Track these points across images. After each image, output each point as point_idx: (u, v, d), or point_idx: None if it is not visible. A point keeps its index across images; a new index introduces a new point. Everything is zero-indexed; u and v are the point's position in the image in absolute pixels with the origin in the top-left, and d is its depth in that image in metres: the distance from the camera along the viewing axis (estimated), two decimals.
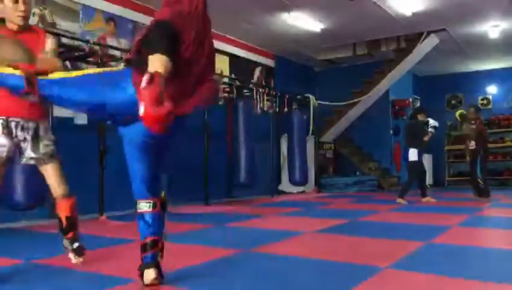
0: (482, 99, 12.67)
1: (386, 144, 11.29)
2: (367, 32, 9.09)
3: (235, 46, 9.09)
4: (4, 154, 2.69)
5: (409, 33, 9.20)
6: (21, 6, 2.72)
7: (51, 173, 2.82)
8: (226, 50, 8.81)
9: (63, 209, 2.90)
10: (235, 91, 7.94)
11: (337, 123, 10.69)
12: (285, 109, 9.23)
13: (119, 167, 6.12)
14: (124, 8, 6.79)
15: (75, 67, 5.61)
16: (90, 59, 5.78)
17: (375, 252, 3.44)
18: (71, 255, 2.97)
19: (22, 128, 2.72)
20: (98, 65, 5.80)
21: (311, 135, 9.79)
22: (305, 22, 8.11)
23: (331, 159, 11.23)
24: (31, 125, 2.74)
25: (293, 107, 9.49)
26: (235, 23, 8.22)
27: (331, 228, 4.70)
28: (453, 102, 13.05)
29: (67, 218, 2.91)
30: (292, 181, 9.26)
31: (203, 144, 7.22)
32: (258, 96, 8.49)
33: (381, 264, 2.91)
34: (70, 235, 2.95)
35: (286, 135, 9.48)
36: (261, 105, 8.55)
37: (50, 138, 2.82)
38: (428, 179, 12.20)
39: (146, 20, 7.13)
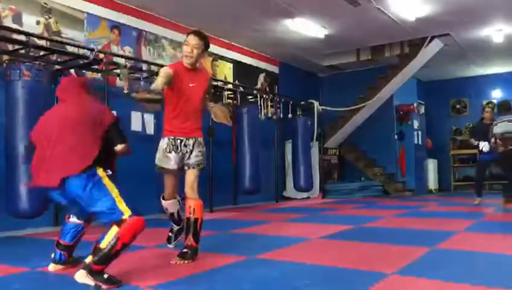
0: (487, 104, 12.61)
1: (391, 149, 11.25)
2: (371, 37, 9.10)
3: (239, 52, 9.11)
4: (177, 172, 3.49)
5: (413, 38, 9.20)
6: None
7: (191, 176, 3.43)
8: (230, 56, 8.85)
9: (186, 209, 3.43)
10: (239, 97, 7.96)
11: (341, 129, 10.68)
12: (290, 115, 9.24)
13: (124, 174, 6.13)
14: (129, 16, 6.84)
15: (80, 76, 5.64)
16: (95, 67, 5.82)
17: (381, 258, 3.43)
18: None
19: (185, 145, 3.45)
20: (102, 72, 5.84)
21: (316, 140, 9.78)
22: (308, 28, 8.12)
23: (336, 165, 11.22)
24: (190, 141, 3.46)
25: (297, 113, 9.50)
26: (239, 30, 8.26)
27: (336, 234, 4.68)
28: (457, 106, 13.01)
29: (190, 221, 3.40)
30: (297, 187, 9.24)
31: (208, 150, 7.21)
32: (262, 103, 8.50)
33: (387, 270, 2.90)
34: (188, 240, 3.37)
35: (290, 140, 9.48)
36: (265, 111, 8.56)
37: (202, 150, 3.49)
38: (434, 184, 12.18)
39: (150, 28, 7.17)
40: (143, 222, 2.75)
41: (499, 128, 6.88)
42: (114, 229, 2.68)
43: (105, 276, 2.64)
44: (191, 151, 3.46)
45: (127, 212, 2.71)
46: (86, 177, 2.76)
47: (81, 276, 2.65)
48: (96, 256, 2.63)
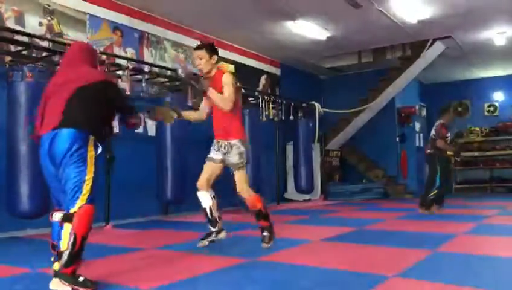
0: (489, 106, 12.62)
1: (392, 152, 11.25)
2: (372, 40, 9.10)
3: (241, 54, 9.12)
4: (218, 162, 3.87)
5: (415, 40, 9.19)
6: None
7: (236, 178, 3.81)
8: (231, 58, 8.85)
9: (248, 205, 3.84)
10: (240, 99, 7.95)
11: (343, 131, 10.67)
12: (291, 117, 9.24)
13: (125, 175, 6.13)
14: (131, 18, 6.84)
15: None
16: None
17: (382, 260, 3.42)
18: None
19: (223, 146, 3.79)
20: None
21: (317, 142, 9.78)
22: (310, 30, 8.13)
23: (337, 167, 11.20)
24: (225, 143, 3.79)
25: (299, 115, 9.50)
26: (240, 32, 8.27)
27: (337, 236, 4.68)
28: (459, 109, 12.99)
29: (254, 212, 3.80)
30: (298, 189, 9.24)
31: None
32: (263, 105, 8.51)
33: (388, 273, 2.90)
34: (261, 223, 3.79)
35: (292, 142, 9.48)
36: (267, 113, 8.57)
37: (236, 152, 3.77)
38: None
39: (152, 29, 7.19)
40: (92, 209, 2.67)
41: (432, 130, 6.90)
42: (67, 227, 2.61)
43: (81, 279, 2.57)
44: (229, 154, 3.78)
45: (78, 204, 2.63)
46: (75, 137, 2.70)
47: (56, 284, 2.58)
48: (62, 260, 2.55)
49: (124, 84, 5.97)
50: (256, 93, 8.73)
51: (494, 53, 10.02)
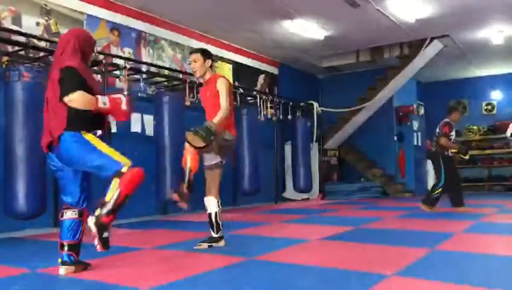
0: (487, 105, 12.64)
1: (390, 151, 11.26)
2: (370, 39, 9.10)
3: (239, 53, 9.12)
4: None
5: (412, 39, 9.20)
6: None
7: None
8: (229, 58, 8.85)
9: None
10: (238, 99, 7.96)
11: (341, 130, 10.68)
12: (289, 116, 9.24)
13: None
14: (128, 17, 6.83)
15: None
16: (95, 68, 5.82)
17: (380, 259, 3.42)
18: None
19: None
20: (102, 74, 5.85)
21: (315, 141, 9.79)
22: (308, 29, 8.13)
23: (336, 166, 11.22)
24: None
25: (297, 114, 9.50)
26: (238, 31, 8.26)
27: (336, 235, 4.68)
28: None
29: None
30: (296, 188, 9.24)
31: None
32: (261, 104, 8.51)
33: (386, 272, 2.90)
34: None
35: (290, 142, 9.48)
36: (265, 112, 8.56)
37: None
38: None
39: (149, 29, 7.18)
40: (142, 173, 2.82)
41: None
42: (116, 182, 2.77)
43: (105, 235, 2.74)
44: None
45: (126, 164, 2.79)
46: (72, 138, 2.80)
47: (91, 221, 2.76)
48: (103, 209, 2.75)
49: (121, 84, 5.96)
50: (255, 93, 8.73)
51: (492, 52, 10.03)
